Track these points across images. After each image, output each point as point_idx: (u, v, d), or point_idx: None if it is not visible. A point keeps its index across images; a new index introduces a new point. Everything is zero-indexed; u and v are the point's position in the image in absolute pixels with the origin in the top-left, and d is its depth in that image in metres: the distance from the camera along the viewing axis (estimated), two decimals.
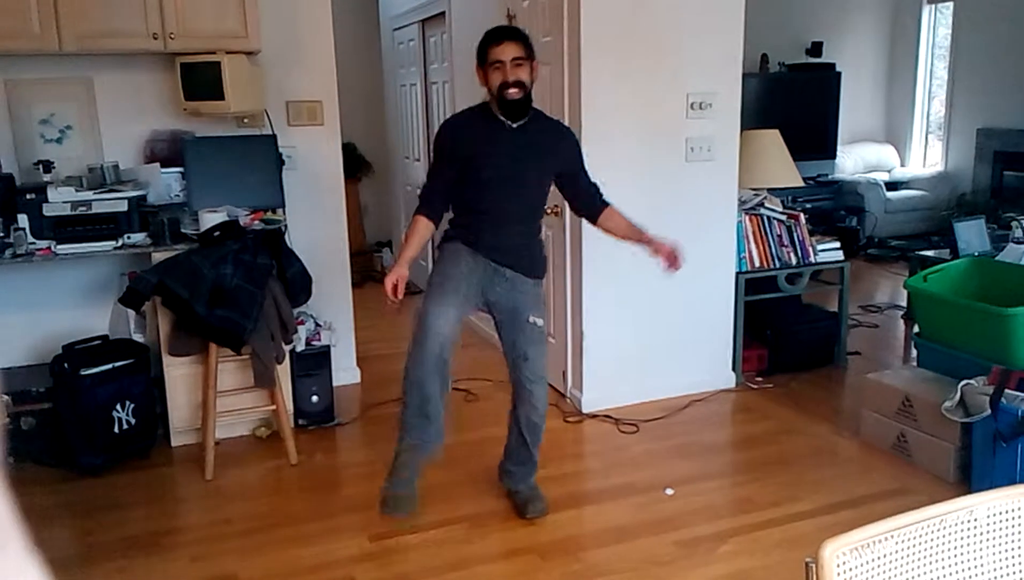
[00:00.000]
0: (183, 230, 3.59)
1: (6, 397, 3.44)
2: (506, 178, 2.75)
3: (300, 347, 3.82)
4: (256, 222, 3.63)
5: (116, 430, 3.43)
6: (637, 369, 4.03)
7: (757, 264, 4.31)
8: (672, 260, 2.87)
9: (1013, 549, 1.37)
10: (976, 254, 4.39)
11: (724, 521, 2.99)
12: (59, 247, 3.41)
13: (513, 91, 2.68)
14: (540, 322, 2.89)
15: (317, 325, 3.91)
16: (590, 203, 2.96)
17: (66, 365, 3.38)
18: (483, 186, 2.77)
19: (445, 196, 2.85)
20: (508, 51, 2.67)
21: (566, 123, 3.87)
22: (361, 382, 4.53)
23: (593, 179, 2.95)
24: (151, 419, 3.59)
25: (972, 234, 4.65)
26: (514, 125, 2.75)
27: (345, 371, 4.42)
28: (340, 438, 3.84)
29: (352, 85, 6.39)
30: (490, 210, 2.79)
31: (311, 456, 3.62)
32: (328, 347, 3.91)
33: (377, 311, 6.08)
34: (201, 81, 3.57)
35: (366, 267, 7.05)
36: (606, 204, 2.95)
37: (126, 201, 3.52)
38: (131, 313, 3.67)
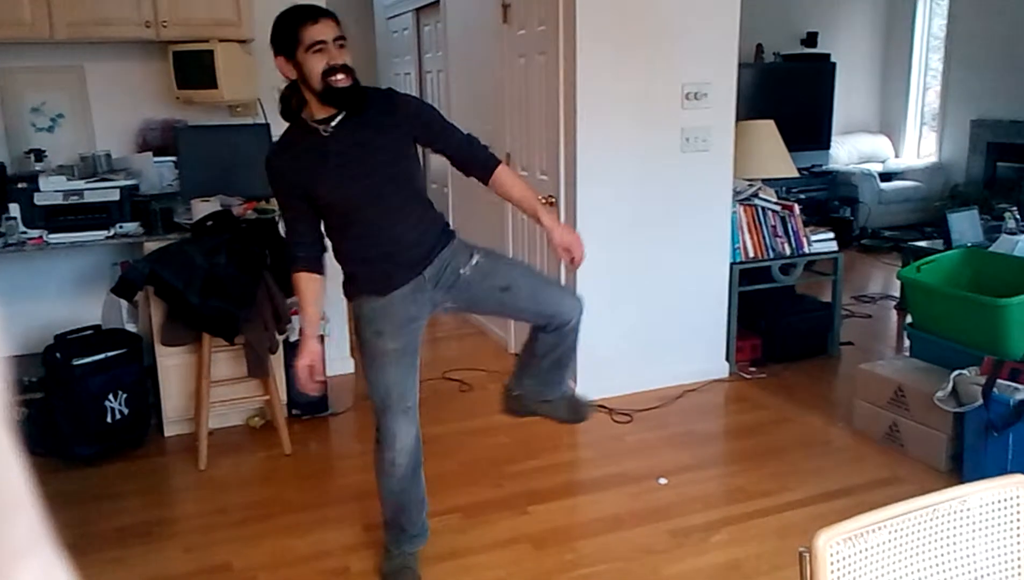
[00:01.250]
0: (176, 219, 3.57)
1: None
2: (352, 196, 2.31)
3: (294, 337, 3.80)
4: (249, 212, 3.62)
5: (109, 420, 3.42)
6: (631, 359, 4.03)
7: (751, 254, 4.31)
8: (566, 253, 2.47)
9: (1005, 538, 1.38)
10: (969, 245, 4.40)
11: (717, 510, 3.00)
12: (51, 236, 3.39)
13: (341, 77, 2.22)
14: (479, 258, 2.50)
15: None
16: (472, 161, 2.47)
17: (58, 355, 3.37)
18: (334, 213, 2.36)
19: (314, 233, 2.45)
20: (328, 30, 2.22)
21: (560, 115, 3.88)
22: (355, 372, 4.52)
23: (469, 133, 2.49)
24: (144, 409, 3.58)
25: (965, 225, 4.66)
26: (332, 126, 2.29)
27: (339, 361, 4.41)
28: (334, 428, 3.84)
29: None
30: (363, 234, 2.37)
31: (305, 446, 3.62)
32: (322, 337, 3.89)
33: None
34: (194, 69, 3.55)
35: None
36: (497, 162, 2.47)
37: (118, 190, 3.50)
38: (124, 303, 3.66)
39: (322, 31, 2.21)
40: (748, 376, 4.33)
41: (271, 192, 2.46)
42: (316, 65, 2.20)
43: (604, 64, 3.76)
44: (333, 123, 2.29)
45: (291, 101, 2.34)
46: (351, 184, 2.30)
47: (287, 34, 2.25)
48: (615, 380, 4.02)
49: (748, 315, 4.43)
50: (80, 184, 3.49)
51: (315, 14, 2.24)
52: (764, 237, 4.34)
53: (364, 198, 2.32)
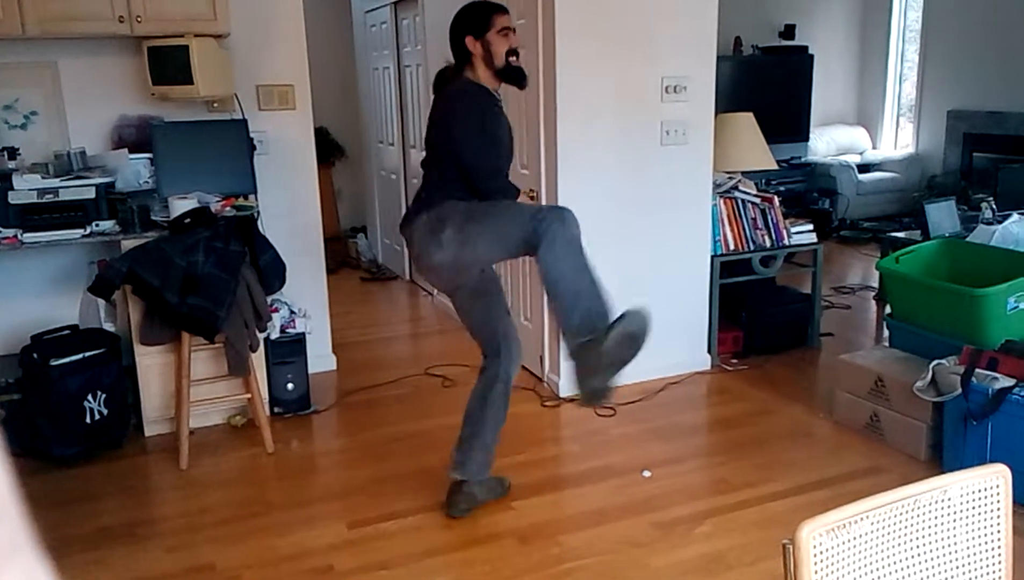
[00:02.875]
0: (153, 217, 3.53)
1: None
2: (509, 152, 2.86)
3: (275, 335, 3.79)
4: (228, 209, 3.58)
5: (88, 420, 3.38)
6: None
7: (732, 247, 4.33)
8: None
9: (986, 528, 1.39)
10: (947, 235, 4.44)
11: (701, 502, 3.02)
12: (26, 236, 3.34)
13: (515, 59, 2.73)
14: None
15: (292, 312, 3.88)
16: None
17: (35, 355, 3.33)
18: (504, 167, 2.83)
19: None
20: (510, 20, 2.75)
21: (540, 109, 3.88)
22: (337, 369, 4.51)
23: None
24: (123, 409, 3.54)
25: (943, 215, 4.70)
26: (497, 95, 2.79)
27: (321, 358, 4.39)
28: (316, 426, 3.82)
29: (324, 69, 6.32)
30: (507, 188, 2.80)
31: (287, 444, 3.60)
32: (303, 334, 3.88)
33: (353, 297, 6.05)
34: (169, 65, 3.51)
35: (341, 253, 7.01)
36: None
37: (94, 188, 3.45)
38: (101, 302, 3.62)
39: (508, 20, 2.73)
40: (730, 368, 4.36)
41: (473, 122, 2.68)
42: (502, 46, 2.69)
43: (584, 57, 3.75)
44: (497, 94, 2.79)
45: (446, 74, 2.83)
46: (508, 142, 2.83)
47: (481, 18, 2.71)
48: None
49: (729, 307, 4.46)
50: (55, 182, 3.44)
51: (503, 7, 2.77)
52: (744, 229, 4.36)
53: (510, 157, 2.87)
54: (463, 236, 2.63)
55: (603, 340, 2.44)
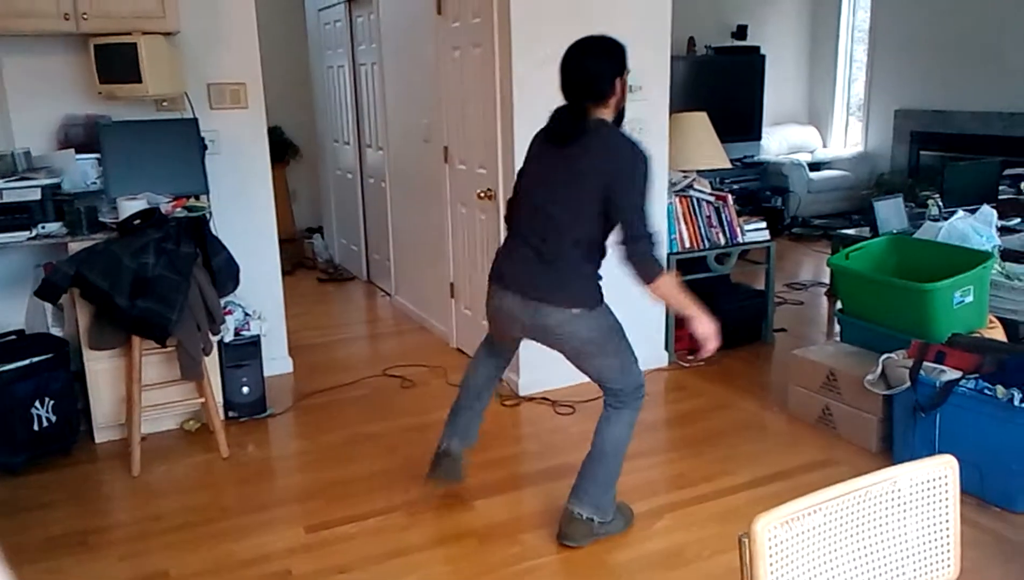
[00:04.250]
0: (101, 219, 3.45)
1: None
2: None
3: (229, 337, 3.73)
4: (178, 209, 3.52)
5: (36, 427, 3.30)
6: None
7: (687, 245, 4.37)
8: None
9: (935, 517, 1.43)
10: (895, 232, 4.54)
11: (659, 497, 3.04)
12: None
13: None
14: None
15: (246, 314, 3.82)
16: None
17: None
18: None
19: None
20: None
21: (497, 108, 3.88)
22: (294, 372, 4.45)
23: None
24: (73, 415, 3.46)
25: (891, 212, 4.81)
26: None
27: (276, 361, 4.34)
28: (273, 429, 3.77)
29: (277, 67, 6.24)
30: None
31: (243, 448, 3.55)
32: (258, 337, 3.82)
33: (309, 298, 5.99)
34: (117, 63, 3.43)
35: (296, 254, 6.93)
36: None
37: (39, 189, 3.36)
38: (48, 306, 3.53)
39: None
40: (686, 364, 4.40)
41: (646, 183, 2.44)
42: (624, 99, 2.53)
43: (539, 56, 3.75)
44: None
45: (574, 114, 2.48)
46: None
47: (624, 56, 2.49)
48: (557, 372, 4.02)
49: None
50: None
51: None
52: (699, 227, 4.41)
53: None
54: (598, 335, 2.60)
55: (617, 515, 2.79)
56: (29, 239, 3.32)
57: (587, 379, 4.07)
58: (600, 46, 2.45)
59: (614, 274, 4.09)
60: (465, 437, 2.96)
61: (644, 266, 2.46)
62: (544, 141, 2.54)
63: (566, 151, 2.44)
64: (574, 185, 2.43)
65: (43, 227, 3.35)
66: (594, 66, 2.42)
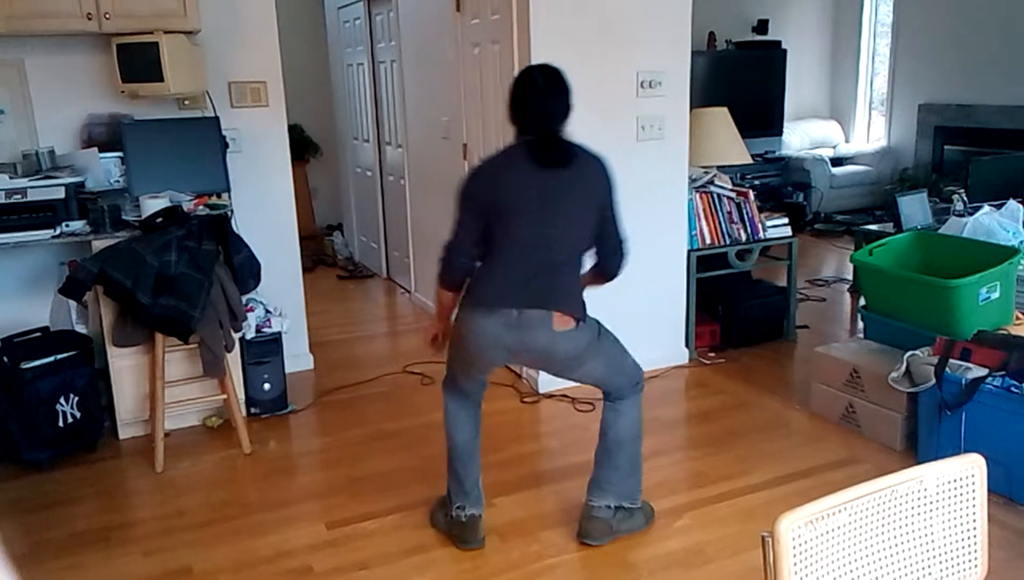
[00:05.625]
0: (124, 217, 3.48)
1: None
2: None
3: (250, 334, 3.75)
4: (200, 207, 3.54)
5: (61, 424, 3.33)
6: None
7: (708, 241, 4.35)
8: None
9: (962, 517, 1.41)
10: (919, 228, 4.49)
11: (680, 495, 3.03)
12: None
13: None
14: None
15: (267, 311, 3.84)
16: None
17: (5, 359, 3.27)
18: None
19: None
20: None
21: None
22: (314, 368, 4.47)
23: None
24: (97, 412, 3.49)
25: (915, 208, 4.75)
26: None
27: (297, 357, 4.36)
28: (294, 425, 3.79)
29: (297, 65, 6.27)
30: None
31: (264, 445, 3.57)
32: (279, 334, 3.84)
33: (329, 295, 6.02)
34: (139, 62, 3.46)
35: (317, 251, 6.96)
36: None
37: (63, 188, 3.40)
38: (72, 304, 3.56)
39: None
40: (707, 361, 4.38)
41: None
42: None
43: (559, 53, 3.74)
44: None
45: (559, 136, 2.50)
46: None
47: None
48: None
49: (706, 301, 4.48)
50: (23, 182, 3.38)
51: None
52: (720, 223, 4.38)
53: None
54: (593, 347, 2.60)
55: (638, 512, 2.80)
56: (53, 237, 3.35)
57: None
58: (563, 78, 2.48)
59: (636, 275, 4.09)
60: (478, 500, 2.78)
61: (625, 264, 2.67)
62: (532, 167, 2.43)
63: (561, 174, 2.43)
64: (579, 203, 2.46)
65: (67, 225, 3.38)
66: (567, 98, 2.46)
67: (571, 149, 2.46)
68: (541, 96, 2.45)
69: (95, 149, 3.66)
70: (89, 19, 3.38)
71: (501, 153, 2.50)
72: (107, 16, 3.39)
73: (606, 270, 2.64)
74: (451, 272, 2.55)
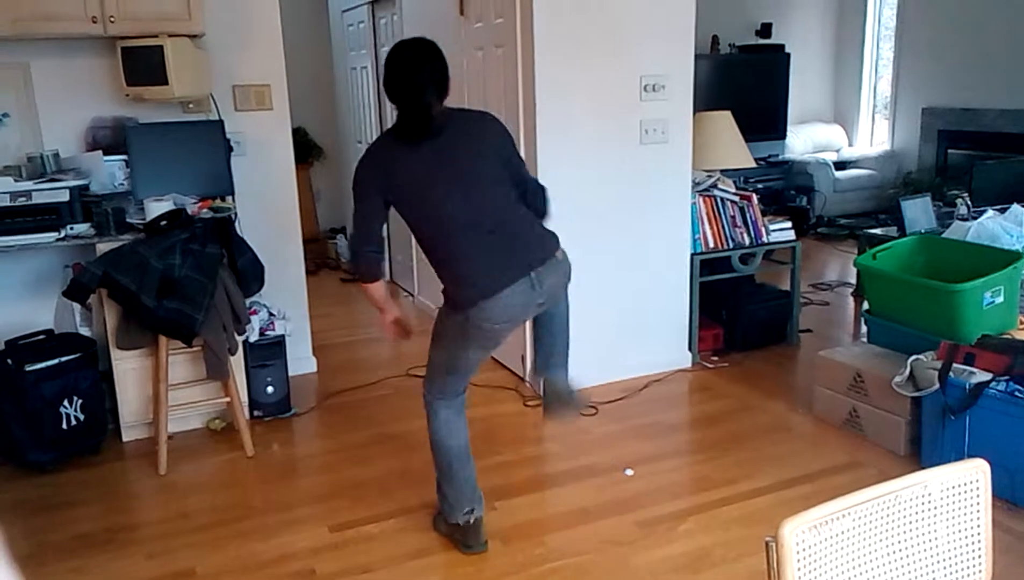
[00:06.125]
0: (128, 220, 3.49)
1: None
2: None
3: (254, 337, 3.75)
4: (204, 210, 3.55)
5: (64, 426, 3.34)
6: (595, 351, 4.04)
7: (711, 245, 4.34)
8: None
9: (966, 522, 1.41)
10: (923, 231, 4.48)
11: (683, 500, 3.02)
12: None
13: None
14: None
15: (271, 314, 3.85)
16: None
17: (9, 361, 3.28)
18: None
19: None
20: None
21: (519, 108, 3.87)
22: (318, 371, 4.48)
23: None
24: (100, 414, 3.50)
25: (918, 212, 4.75)
26: None
27: (301, 360, 4.36)
28: (297, 428, 3.79)
29: (301, 69, 6.27)
30: None
31: (268, 447, 3.57)
32: (282, 337, 3.85)
33: (333, 298, 6.02)
34: (143, 65, 3.47)
35: (320, 254, 6.96)
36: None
37: (67, 191, 3.40)
38: (76, 306, 3.57)
39: None
40: (711, 365, 4.37)
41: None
42: None
43: (562, 57, 3.75)
44: None
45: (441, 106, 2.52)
46: None
47: None
48: (580, 372, 4.00)
49: (710, 305, 4.47)
50: (28, 185, 3.39)
51: None
52: (724, 227, 4.37)
53: None
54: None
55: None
56: (58, 240, 3.36)
57: (610, 379, 4.10)
58: (434, 48, 2.44)
59: (639, 279, 4.10)
60: (481, 500, 2.77)
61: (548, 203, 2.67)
62: (405, 148, 2.44)
63: (437, 144, 2.41)
64: (476, 162, 2.45)
65: (71, 228, 3.39)
66: (435, 69, 2.41)
67: (434, 118, 2.40)
68: (406, 69, 2.39)
69: (99, 152, 3.66)
70: (94, 22, 3.40)
71: (379, 138, 2.55)
72: (112, 19, 3.40)
73: (536, 212, 2.61)
74: (366, 264, 2.56)
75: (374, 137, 6.22)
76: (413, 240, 5.81)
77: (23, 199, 3.34)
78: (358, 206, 2.52)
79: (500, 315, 2.45)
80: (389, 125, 6.23)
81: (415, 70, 2.39)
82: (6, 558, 0.44)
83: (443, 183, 2.41)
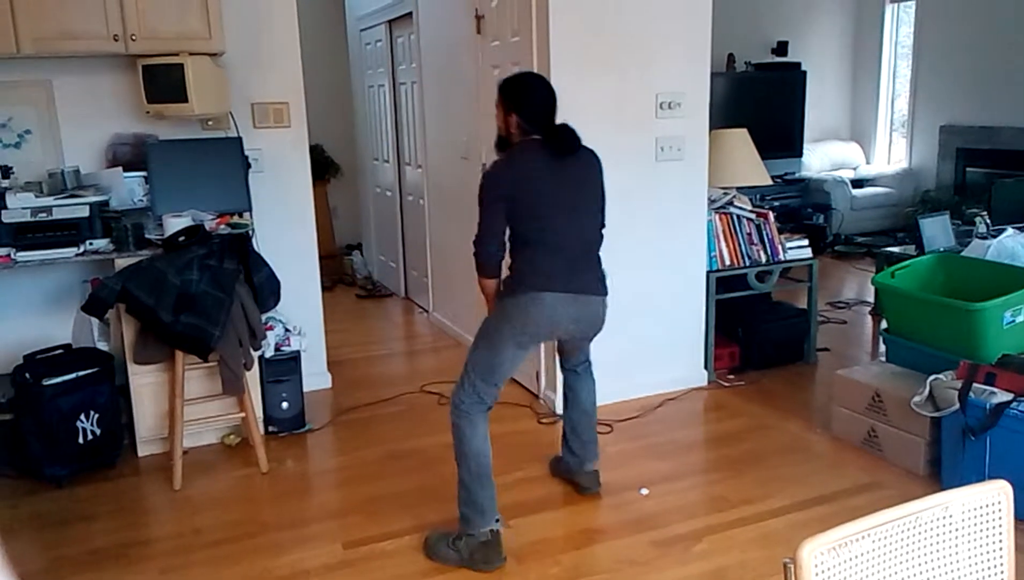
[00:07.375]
0: (147, 236, 3.52)
1: None
2: None
3: (269, 353, 3.77)
4: (222, 226, 3.58)
5: (81, 441, 3.35)
6: (610, 369, 4.02)
7: (727, 262, 4.33)
8: None
9: (988, 545, 1.38)
10: (941, 250, 4.45)
11: (699, 519, 2.99)
12: (19, 254, 3.33)
13: None
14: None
15: (287, 330, 3.86)
16: None
17: (28, 375, 3.30)
18: None
19: None
20: None
21: None
22: (332, 387, 4.48)
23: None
24: (117, 429, 3.51)
25: (937, 230, 4.71)
26: None
27: (316, 376, 4.37)
28: (312, 444, 3.79)
29: (319, 87, 6.34)
30: None
31: (282, 463, 3.57)
32: (298, 352, 3.86)
33: (348, 314, 6.04)
34: (164, 83, 3.51)
35: (336, 270, 6.99)
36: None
37: (88, 206, 3.44)
38: (94, 321, 3.60)
39: None
40: (727, 384, 4.34)
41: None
42: None
43: (578, 74, 3.76)
44: None
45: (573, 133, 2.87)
46: None
47: None
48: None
49: (726, 323, 4.45)
50: (48, 200, 3.43)
51: None
52: (740, 245, 4.36)
53: None
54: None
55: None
56: (77, 255, 3.39)
57: (625, 397, 4.08)
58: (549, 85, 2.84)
59: (655, 296, 4.09)
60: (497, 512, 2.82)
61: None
62: (547, 158, 2.71)
63: (569, 162, 2.74)
64: (589, 189, 2.81)
65: (91, 243, 3.43)
66: (553, 101, 2.79)
67: (578, 137, 2.74)
68: (545, 93, 2.78)
69: (119, 168, 3.71)
70: (116, 41, 3.44)
71: (517, 151, 2.75)
72: (133, 38, 3.45)
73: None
74: (488, 260, 2.75)
75: (390, 155, 6.28)
76: (428, 256, 5.83)
77: (44, 215, 3.38)
78: (490, 211, 2.70)
79: (547, 313, 2.69)
80: (405, 145, 6.28)
81: (551, 95, 2.79)
82: (5, 558, 0.44)
83: (563, 201, 2.70)
